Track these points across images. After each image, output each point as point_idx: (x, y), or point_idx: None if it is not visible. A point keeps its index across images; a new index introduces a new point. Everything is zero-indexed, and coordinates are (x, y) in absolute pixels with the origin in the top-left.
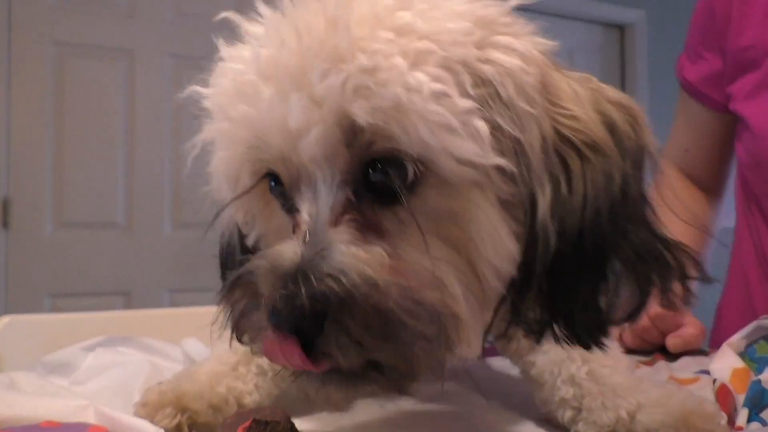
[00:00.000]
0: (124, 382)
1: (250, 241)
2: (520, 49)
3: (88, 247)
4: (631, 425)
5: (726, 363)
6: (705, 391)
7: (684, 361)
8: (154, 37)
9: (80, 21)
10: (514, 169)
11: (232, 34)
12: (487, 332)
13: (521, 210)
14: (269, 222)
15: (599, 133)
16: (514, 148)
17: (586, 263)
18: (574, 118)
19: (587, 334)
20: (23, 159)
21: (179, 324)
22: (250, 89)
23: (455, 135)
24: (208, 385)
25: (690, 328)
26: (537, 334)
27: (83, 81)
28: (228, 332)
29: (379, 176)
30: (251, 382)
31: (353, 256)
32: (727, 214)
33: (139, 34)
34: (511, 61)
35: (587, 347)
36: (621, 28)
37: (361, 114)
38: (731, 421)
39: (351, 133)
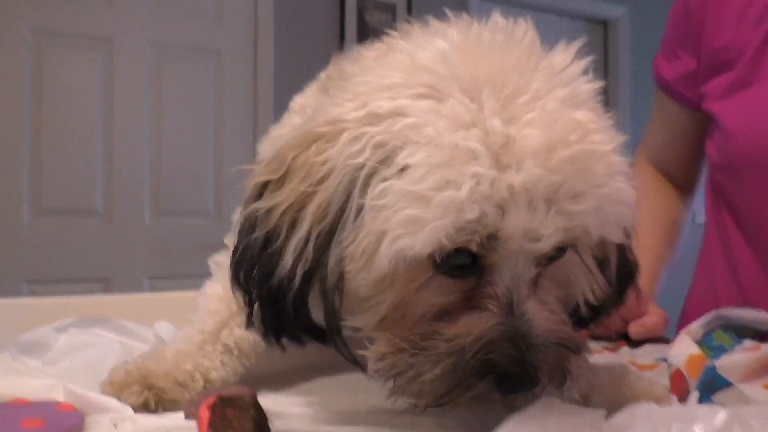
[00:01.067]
0: (94, 362)
1: (361, 292)
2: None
3: (66, 235)
4: (584, 405)
5: (682, 349)
6: (663, 377)
7: (646, 348)
8: (133, 26)
9: (58, 9)
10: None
11: None
12: None
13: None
14: (403, 287)
15: None
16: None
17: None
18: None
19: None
20: (0, 146)
21: (156, 308)
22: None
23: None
24: (174, 364)
25: (652, 317)
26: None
27: (61, 69)
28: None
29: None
30: (217, 360)
31: (555, 323)
32: (702, 211)
33: (118, 22)
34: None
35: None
36: (604, 24)
37: (596, 231)
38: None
39: (576, 238)
